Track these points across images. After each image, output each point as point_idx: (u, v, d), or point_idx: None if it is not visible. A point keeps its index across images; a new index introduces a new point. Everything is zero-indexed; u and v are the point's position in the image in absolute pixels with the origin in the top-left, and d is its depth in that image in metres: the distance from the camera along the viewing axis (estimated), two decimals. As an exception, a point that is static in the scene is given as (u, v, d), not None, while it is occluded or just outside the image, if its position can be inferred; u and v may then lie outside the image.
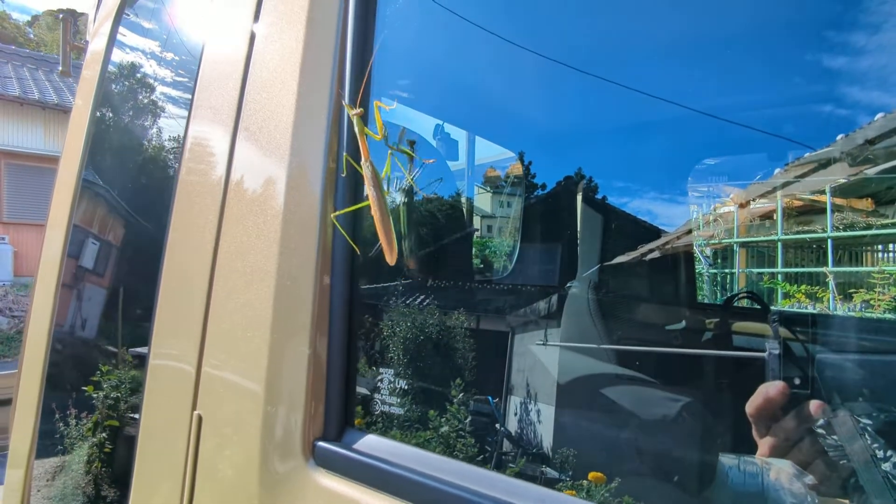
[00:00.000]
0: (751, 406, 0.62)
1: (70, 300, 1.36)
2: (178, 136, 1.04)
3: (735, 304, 1.19)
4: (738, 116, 0.94)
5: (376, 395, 0.82)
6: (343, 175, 0.70)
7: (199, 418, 0.78)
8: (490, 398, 0.88)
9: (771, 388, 0.61)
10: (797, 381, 0.65)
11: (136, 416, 0.93)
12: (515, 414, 0.89)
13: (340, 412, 0.70)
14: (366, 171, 0.67)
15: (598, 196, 1.17)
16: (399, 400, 0.82)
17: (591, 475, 0.70)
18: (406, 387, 0.83)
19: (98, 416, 1.15)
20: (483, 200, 1.52)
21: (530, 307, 1.07)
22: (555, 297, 1.01)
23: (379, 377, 0.83)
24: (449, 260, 1.20)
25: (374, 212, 0.67)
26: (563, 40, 0.98)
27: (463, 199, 1.37)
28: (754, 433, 0.62)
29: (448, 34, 0.94)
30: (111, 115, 1.37)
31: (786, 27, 0.85)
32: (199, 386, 0.79)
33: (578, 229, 1.17)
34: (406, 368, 0.85)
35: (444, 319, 0.91)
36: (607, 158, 1.15)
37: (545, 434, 0.85)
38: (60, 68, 1.62)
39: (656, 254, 1.22)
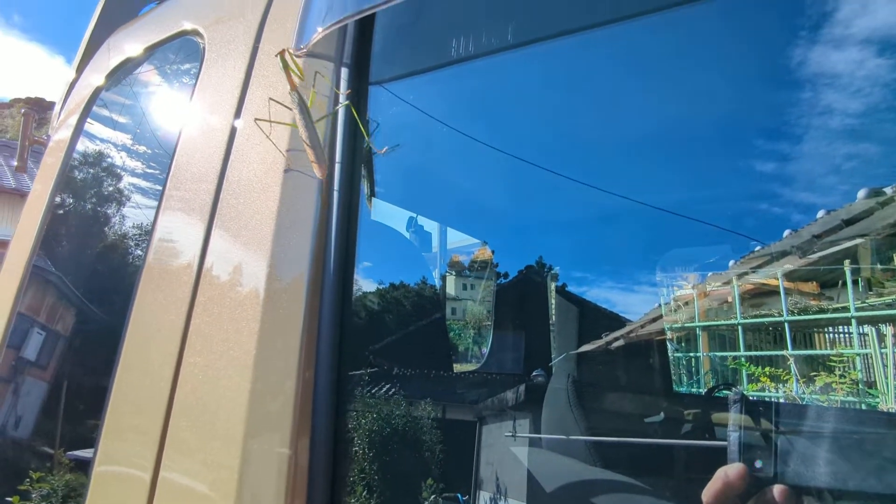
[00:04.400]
0: (707, 493, 0.56)
1: (6, 395, 1.24)
2: (145, 229, 1.01)
3: (716, 394, 1.21)
4: (693, 211, 1.00)
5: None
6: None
7: None
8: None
9: (730, 471, 0.57)
10: (759, 465, 0.60)
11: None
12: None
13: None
14: (293, 98, 0.73)
15: (560, 283, 1.20)
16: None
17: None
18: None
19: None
20: (452, 285, 1.52)
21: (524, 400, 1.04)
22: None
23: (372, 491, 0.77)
24: (437, 349, 1.17)
25: (301, 131, 0.72)
26: (526, 138, 1.03)
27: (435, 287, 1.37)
28: None
29: (434, 138, 0.98)
30: (72, 202, 1.32)
31: (726, 132, 0.94)
32: None
33: (552, 320, 1.17)
34: (400, 479, 0.79)
35: (439, 427, 0.85)
36: (574, 251, 1.19)
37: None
38: (16, 163, 1.55)
39: (621, 342, 1.23)
